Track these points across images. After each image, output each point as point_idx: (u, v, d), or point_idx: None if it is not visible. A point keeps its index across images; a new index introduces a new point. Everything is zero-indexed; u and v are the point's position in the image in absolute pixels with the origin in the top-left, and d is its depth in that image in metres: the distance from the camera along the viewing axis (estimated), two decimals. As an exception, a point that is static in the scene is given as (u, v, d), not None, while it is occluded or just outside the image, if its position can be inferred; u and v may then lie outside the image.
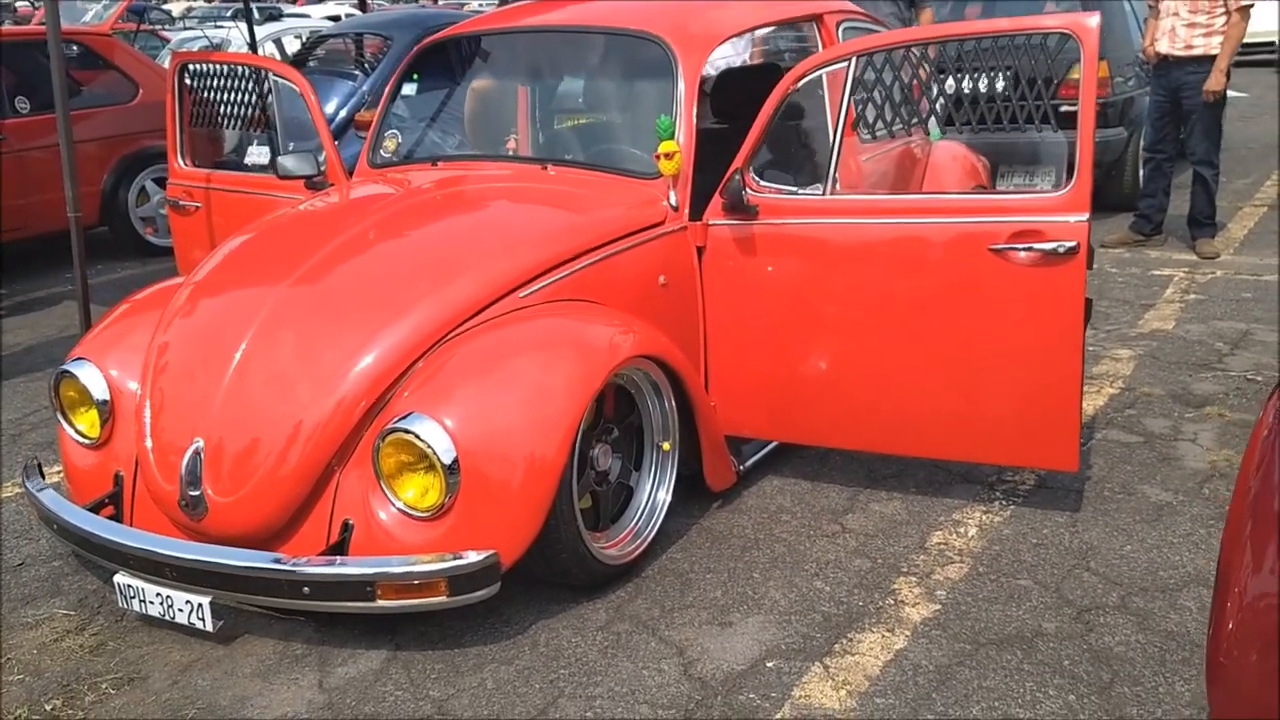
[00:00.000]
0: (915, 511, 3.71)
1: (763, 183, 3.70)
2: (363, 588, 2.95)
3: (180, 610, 3.11)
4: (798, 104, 3.87)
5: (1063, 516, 3.64)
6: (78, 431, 3.57)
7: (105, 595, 3.43)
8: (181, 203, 5.03)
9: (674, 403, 3.50)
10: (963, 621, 3.08)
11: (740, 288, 3.76)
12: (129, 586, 3.19)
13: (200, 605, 3.08)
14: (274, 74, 4.69)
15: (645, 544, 3.46)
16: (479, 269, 3.37)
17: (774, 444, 4.02)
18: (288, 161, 4.44)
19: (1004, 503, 3.75)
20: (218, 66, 4.84)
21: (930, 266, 3.50)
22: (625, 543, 3.42)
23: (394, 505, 3.04)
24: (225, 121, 4.89)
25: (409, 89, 4.48)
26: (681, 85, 3.86)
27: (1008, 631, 3.03)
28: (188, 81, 4.95)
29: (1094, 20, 3.27)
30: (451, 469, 2.94)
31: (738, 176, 3.60)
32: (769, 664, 2.93)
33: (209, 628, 3.07)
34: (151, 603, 3.15)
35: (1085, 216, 3.30)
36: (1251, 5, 6.34)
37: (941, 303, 3.49)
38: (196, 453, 3.14)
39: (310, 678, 3.00)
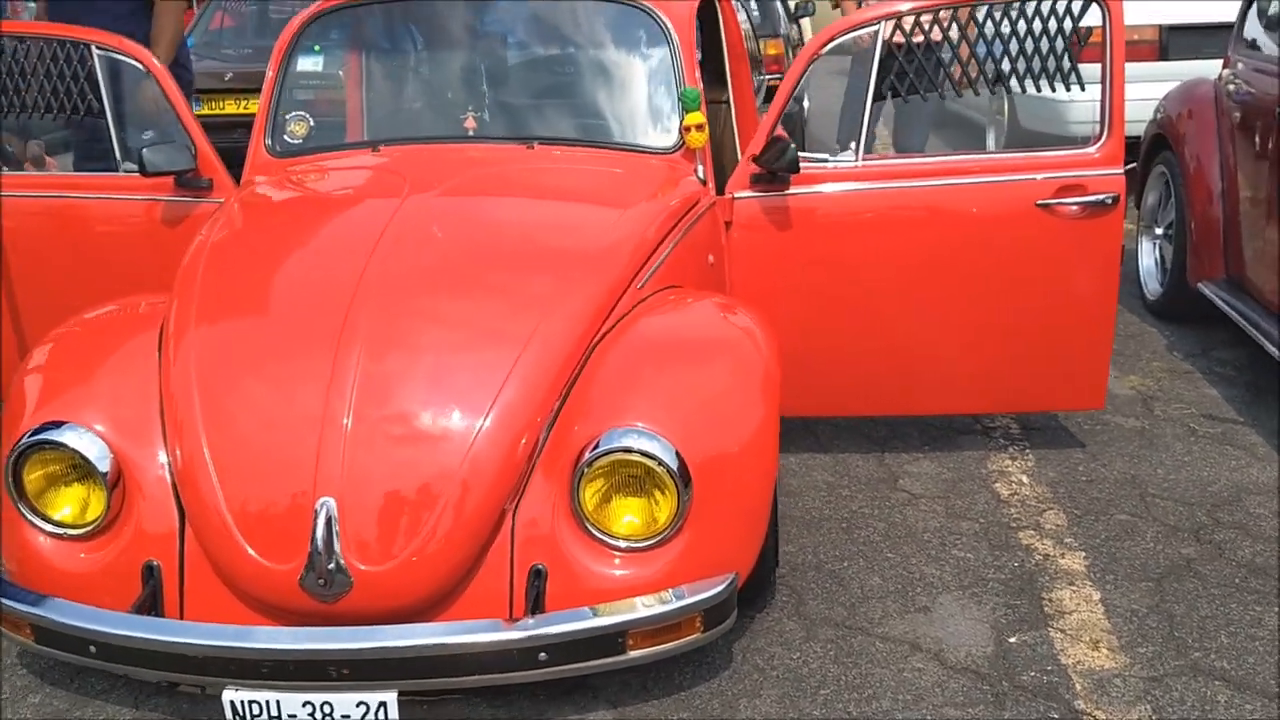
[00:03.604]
0: (954, 469, 3.75)
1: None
2: (614, 640, 2.46)
3: (346, 716, 2.42)
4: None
5: (1079, 453, 3.85)
6: (54, 523, 2.65)
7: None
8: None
9: None
10: (1120, 563, 3.17)
11: (772, 260, 3.57)
12: (251, 704, 2.43)
13: (382, 704, 2.42)
14: (103, 48, 3.71)
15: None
16: (596, 265, 2.92)
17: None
18: (155, 156, 3.54)
19: (1017, 449, 3.89)
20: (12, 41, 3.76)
21: (974, 224, 3.53)
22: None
23: (601, 538, 2.56)
24: (17, 112, 3.81)
25: (308, 63, 3.75)
26: (681, 55, 3.58)
27: (1164, 564, 3.16)
28: None
29: (1119, -17, 3.46)
30: (685, 485, 2.53)
31: (789, 145, 3.41)
32: (1011, 639, 2.84)
33: (393, 729, 2.43)
34: (294, 716, 2.43)
35: (1121, 170, 3.50)
36: None
37: (986, 259, 3.54)
38: (328, 517, 2.45)
39: (552, 766, 2.47)
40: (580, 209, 3.32)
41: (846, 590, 3.06)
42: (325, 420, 2.51)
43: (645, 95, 3.67)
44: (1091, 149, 3.50)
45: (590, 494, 2.54)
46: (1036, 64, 3.46)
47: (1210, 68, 5.55)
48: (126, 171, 3.74)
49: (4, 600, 2.57)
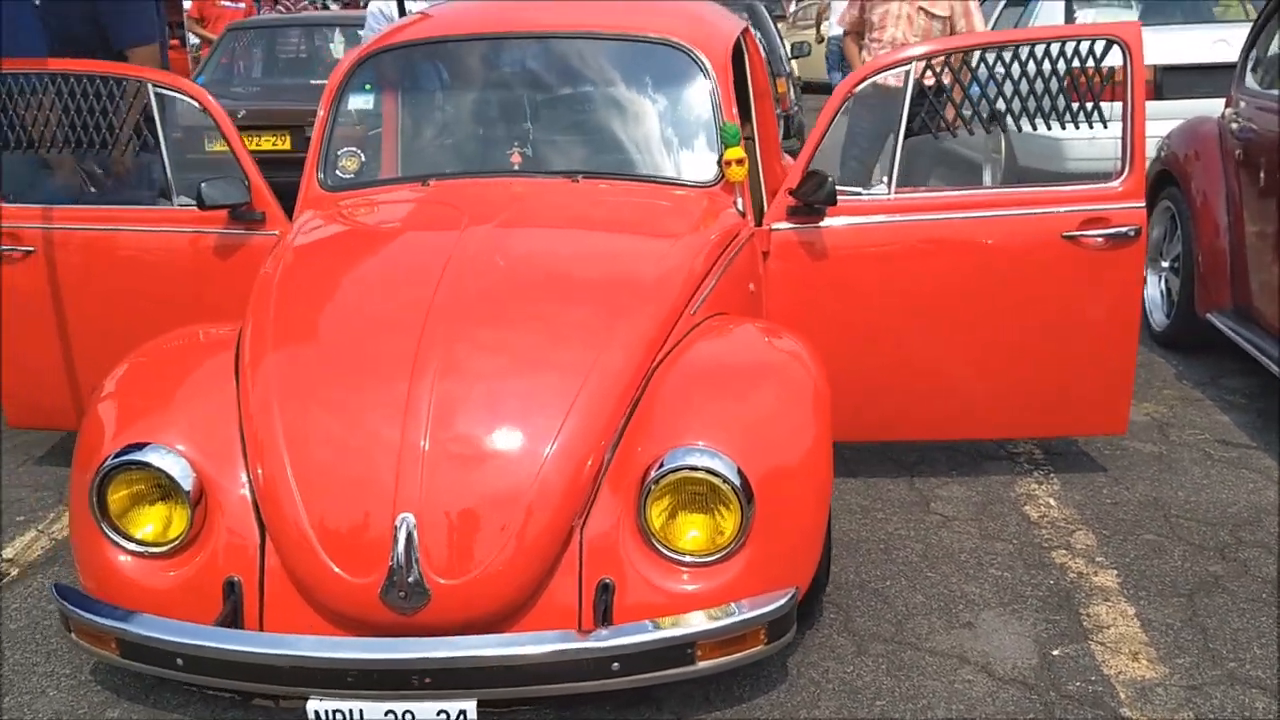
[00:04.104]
0: (983, 493, 3.87)
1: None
2: (683, 651, 2.57)
3: (425, 725, 2.52)
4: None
5: (1102, 477, 3.98)
6: (136, 541, 2.75)
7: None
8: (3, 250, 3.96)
9: None
10: (1150, 580, 3.29)
11: (808, 289, 3.70)
12: (334, 713, 2.53)
13: (463, 713, 2.52)
14: (158, 85, 3.83)
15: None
16: (652, 294, 3.03)
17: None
18: (212, 190, 3.66)
19: (1041, 473, 4.02)
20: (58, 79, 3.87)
21: (1002, 255, 3.66)
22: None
23: (667, 554, 2.66)
24: (62, 146, 3.92)
25: (359, 101, 3.88)
26: (720, 92, 3.73)
27: (1193, 581, 3.28)
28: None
29: (1136, 26, 3.64)
30: (748, 501, 2.64)
31: (827, 178, 3.55)
32: (1054, 652, 2.95)
33: (472, 735, 2.52)
34: (373, 724, 2.53)
35: (1143, 203, 3.66)
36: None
37: (1014, 288, 3.68)
38: (408, 533, 2.55)
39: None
40: (633, 240, 3.45)
41: (891, 608, 3.17)
42: (403, 442, 2.61)
43: (686, 130, 3.81)
44: (1115, 183, 3.65)
45: (656, 511, 2.65)
46: (1061, 103, 3.62)
47: (1202, 106, 5.77)
48: (181, 205, 3.84)
49: (89, 615, 2.66)
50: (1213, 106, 5.42)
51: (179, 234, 3.84)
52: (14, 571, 3.51)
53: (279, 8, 11.64)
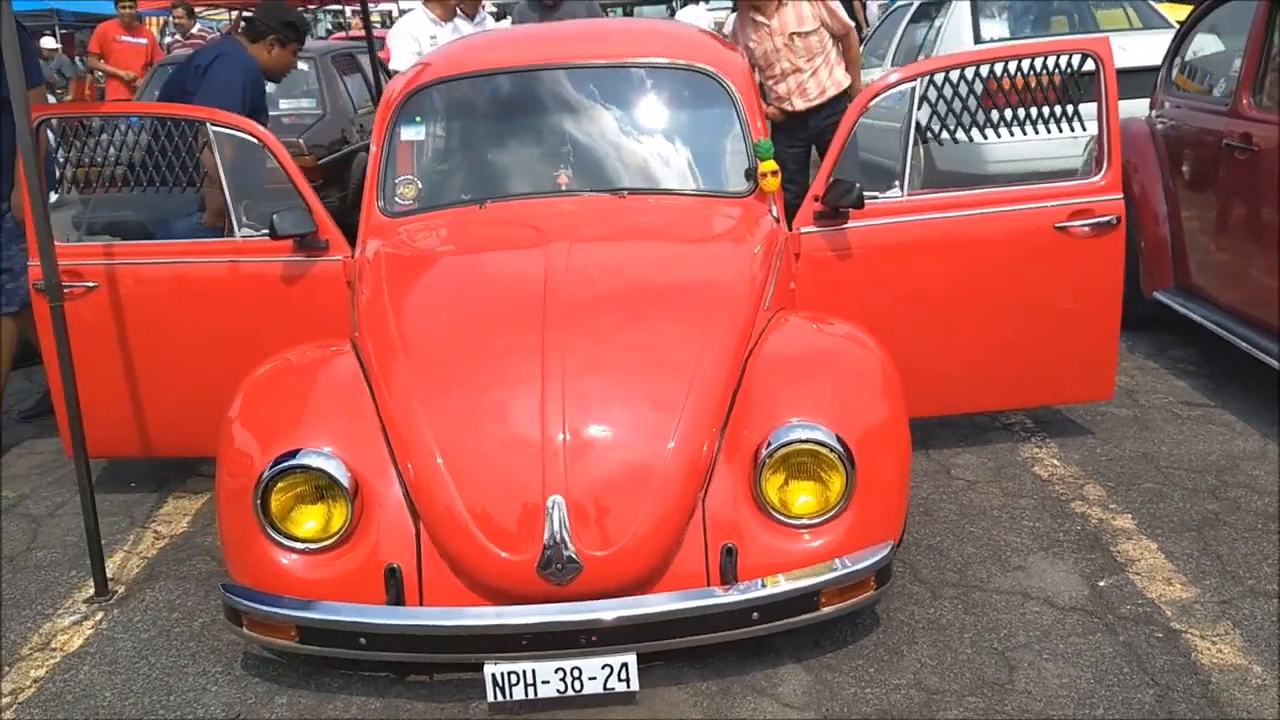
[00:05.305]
0: (993, 459, 4.33)
1: (846, 189, 4.09)
2: (810, 599, 2.94)
3: (592, 679, 2.84)
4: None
5: (1091, 439, 4.47)
6: (298, 539, 3.01)
7: None
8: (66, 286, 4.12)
9: None
10: (1162, 520, 3.76)
11: (833, 285, 4.09)
12: (509, 674, 2.83)
13: (624, 665, 2.85)
14: (217, 124, 4.05)
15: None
16: (735, 294, 3.41)
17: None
18: (284, 221, 3.91)
19: (1038, 440, 4.50)
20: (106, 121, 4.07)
21: (1004, 245, 4.13)
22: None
23: (781, 519, 3.03)
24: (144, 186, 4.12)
25: (410, 133, 4.17)
26: (745, 108, 4.13)
27: (1197, 518, 3.77)
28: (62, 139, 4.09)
29: (1107, 41, 4.15)
30: (851, 465, 3.02)
31: (854, 185, 3.97)
32: (1101, 584, 3.40)
33: (633, 687, 2.85)
34: (546, 682, 2.84)
35: (1120, 195, 4.16)
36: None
37: (1016, 275, 4.13)
38: (560, 514, 2.87)
39: (769, 705, 2.92)
40: (699, 247, 3.82)
41: (948, 559, 3.59)
42: (544, 435, 2.93)
43: (717, 146, 4.19)
44: (1096, 178, 4.15)
45: (772, 484, 3.02)
46: (1046, 109, 4.11)
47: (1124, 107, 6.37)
48: (244, 236, 4.06)
49: (269, 608, 2.91)
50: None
51: (246, 264, 4.05)
52: (120, 589, 3.68)
53: (192, 42, 11.65)
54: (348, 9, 26.97)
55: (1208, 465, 4.17)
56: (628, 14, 19.62)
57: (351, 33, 22.61)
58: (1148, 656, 3.02)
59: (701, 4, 17.48)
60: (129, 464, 4.57)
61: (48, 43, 15.29)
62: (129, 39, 11.74)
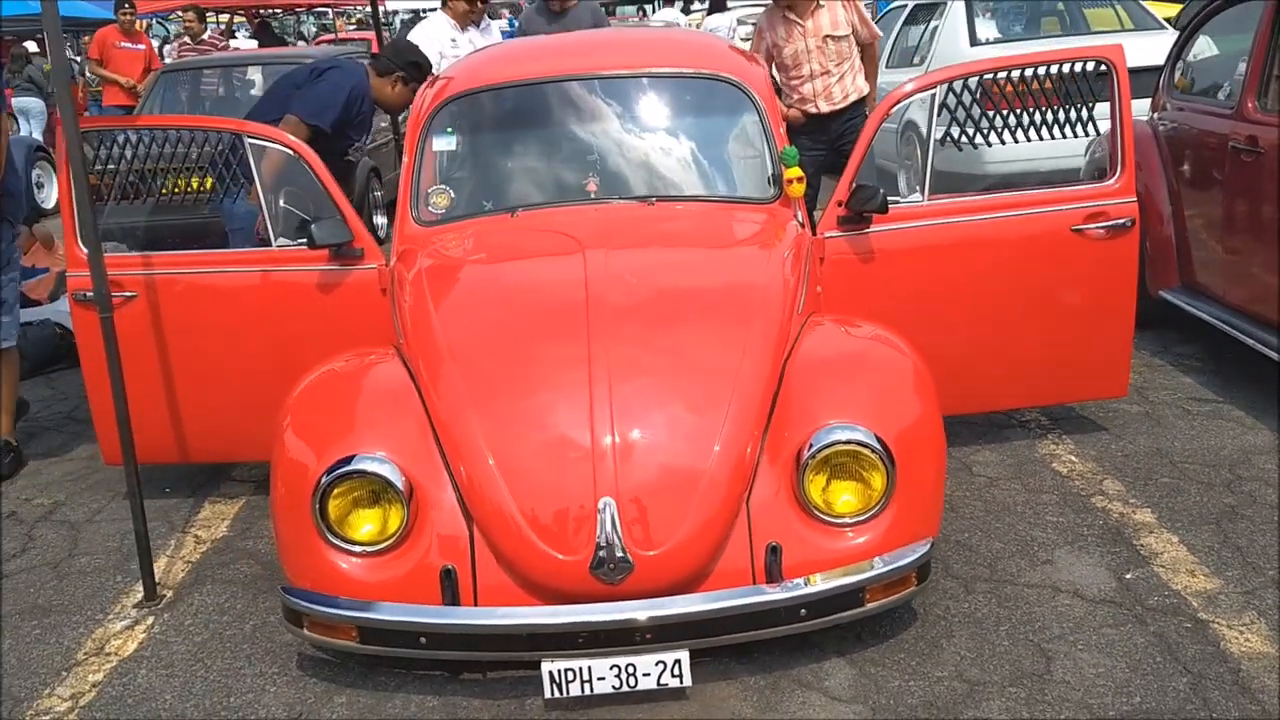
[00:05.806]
0: (1012, 456, 4.44)
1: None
2: (855, 595, 3.04)
3: (646, 675, 2.94)
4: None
5: (1106, 435, 4.59)
6: (354, 542, 3.09)
7: None
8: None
9: None
10: (1181, 514, 3.88)
11: (857, 288, 4.20)
12: (566, 671, 2.93)
13: (677, 661, 2.95)
14: (253, 137, 4.12)
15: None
16: (771, 299, 3.50)
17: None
18: (322, 231, 3.98)
19: (1054, 437, 4.62)
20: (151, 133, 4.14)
21: (1024, 247, 4.23)
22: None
23: (824, 518, 3.12)
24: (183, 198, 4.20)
25: (442, 144, 4.25)
26: (768, 115, 4.23)
27: (1215, 511, 3.89)
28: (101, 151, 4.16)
29: (1120, 48, 4.26)
30: (892, 464, 3.13)
31: (878, 190, 4.07)
32: (1127, 576, 3.51)
33: (686, 683, 2.95)
34: (602, 678, 2.93)
35: (1134, 198, 4.28)
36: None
37: (1035, 276, 4.24)
38: (611, 515, 2.96)
39: (817, 699, 3.02)
40: (732, 252, 3.92)
41: (978, 554, 3.70)
42: (593, 438, 3.02)
43: (742, 153, 4.29)
44: (1110, 182, 4.26)
45: (815, 485, 3.12)
46: (1063, 114, 4.23)
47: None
48: (280, 246, 4.13)
49: (330, 609, 3.00)
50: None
51: (282, 273, 4.12)
52: (168, 594, 3.76)
53: (202, 48, 11.69)
54: (330, 10, 27.06)
55: (1221, 460, 4.29)
56: (608, 14, 19.69)
57: (339, 35, 22.66)
58: (1178, 646, 3.13)
59: (677, 4, 17.62)
60: (163, 470, 4.63)
61: (31, 46, 15.26)
62: (128, 45, 11.77)
